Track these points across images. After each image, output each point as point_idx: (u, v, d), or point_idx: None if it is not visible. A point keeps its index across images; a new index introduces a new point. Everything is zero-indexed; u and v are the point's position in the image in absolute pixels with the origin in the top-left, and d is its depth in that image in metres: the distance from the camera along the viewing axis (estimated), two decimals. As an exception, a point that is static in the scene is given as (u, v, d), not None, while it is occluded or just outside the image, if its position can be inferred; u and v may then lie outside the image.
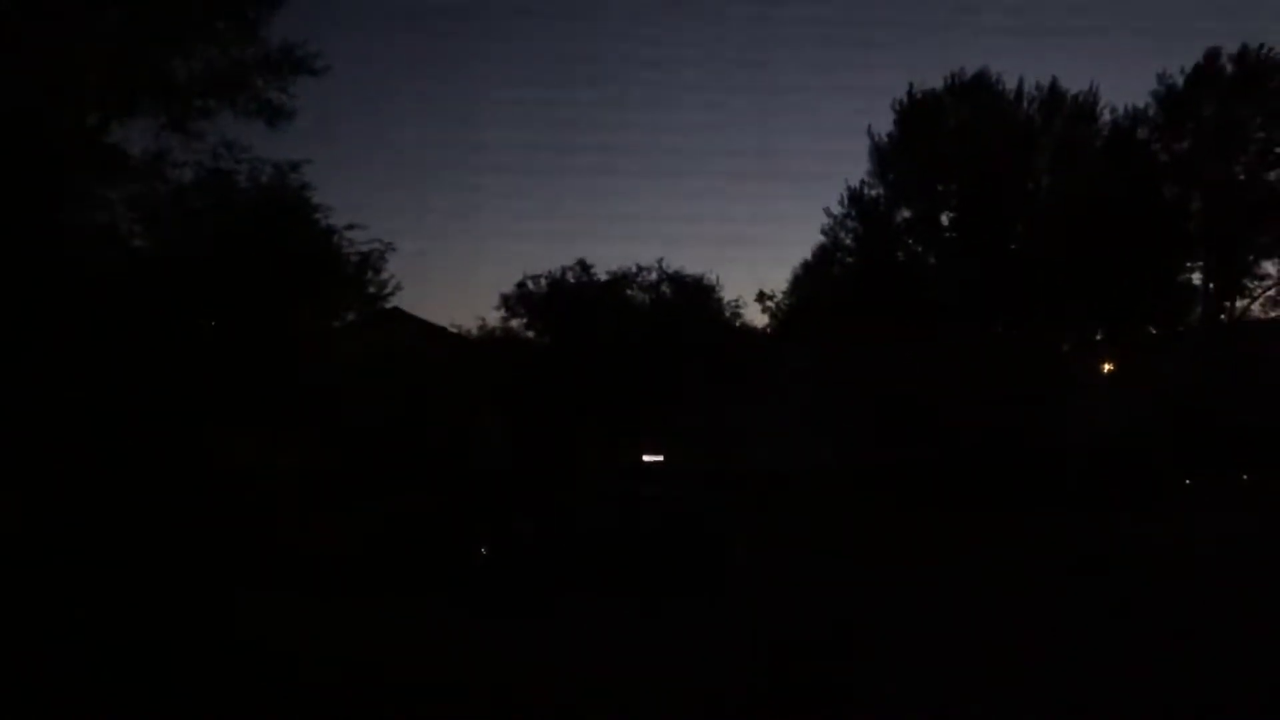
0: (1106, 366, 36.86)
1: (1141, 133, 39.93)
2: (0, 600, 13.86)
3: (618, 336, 35.81)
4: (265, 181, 21.88)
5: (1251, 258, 39.47)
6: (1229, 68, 38.95)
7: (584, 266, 39.05)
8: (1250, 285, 39.74)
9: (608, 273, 39.34)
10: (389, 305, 28.89)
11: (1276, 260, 39.24)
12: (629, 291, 39.69)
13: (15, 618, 13.04)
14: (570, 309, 37.87)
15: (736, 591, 16.84)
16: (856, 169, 48.14)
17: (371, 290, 25.59)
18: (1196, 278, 40.36)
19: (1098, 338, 39.81)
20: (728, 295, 40.94)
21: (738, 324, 40.95)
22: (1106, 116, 39.94)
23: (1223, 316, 40.13)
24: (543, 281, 38.95)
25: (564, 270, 38.94)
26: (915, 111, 40.33)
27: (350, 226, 23.75)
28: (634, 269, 39.49)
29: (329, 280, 23.58)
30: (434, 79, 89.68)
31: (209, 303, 20.79)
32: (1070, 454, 31.34)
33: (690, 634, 13.64)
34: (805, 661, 11.72)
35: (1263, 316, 39.32)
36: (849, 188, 41.29)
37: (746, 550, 18.82)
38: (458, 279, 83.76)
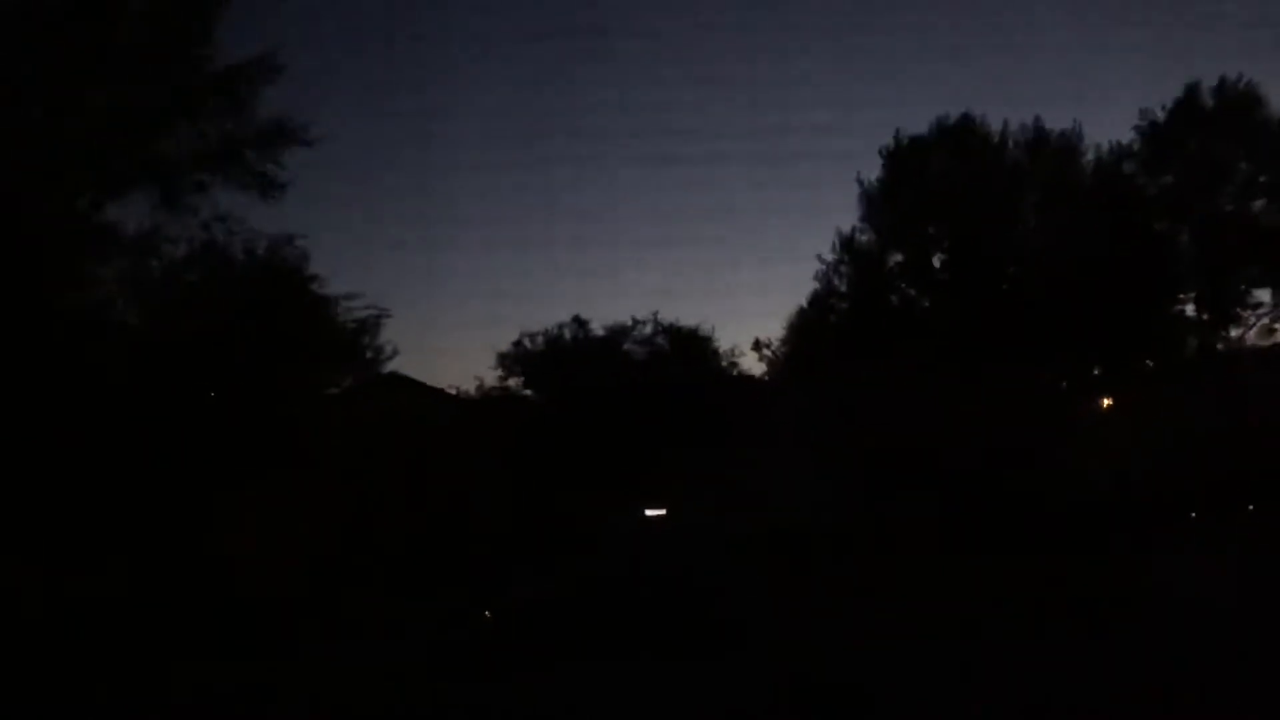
0: (1106, 402, 36.82)
1: (1127, 168, 40.22)
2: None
3: (616, 391, 35.85)
4: (260, 254, 22.12)
5: (1243, 287, 39.59)
6: (1209, 102, 39.37)
7: (580, 323, 39.27)
8: (1244, 314, 39.84)
9: (603, 328, 39.54)
10: (387, 370, 29.06)
11: (1269, 289, 39.38)
12: (625, 346, 39.84)
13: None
14: (567, 366, 37.96)
15: (736, 648, 16.71)
16: (847, 215, 48.49)
17: (369, 356, 25.82)
18: (1190, 309, 40.50)
19: (1095, 373, 39.80)
20: (724, 345, 41.12)
21: (735, 373, 41.04)
22: (1091, 154, 40.28)
23: (1219, 346, 40.17)
24: (539, 339, 39.13)
25: (560, 328, 39.16)
26: (902, 157, 40.65)
27: (347, 296, 24.03)
28: (629, 323, 39.70)
29: (325, 348, 23.76)
30: (425, 142, 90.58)
31: (205, 377, 20.89)
32: (1072, 492, 31.19)
33: (689, 692, 13.55)
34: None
35: (1259, 344, 39.37)
36: (840, 234, 41.51)
37: (747, 605, 18.72)
38: (455, 341, 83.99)
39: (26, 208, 18.52)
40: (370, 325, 24.76)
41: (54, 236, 18.98)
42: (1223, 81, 39.17)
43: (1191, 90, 39.51)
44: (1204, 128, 39.23)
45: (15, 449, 17.85)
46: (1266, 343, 39.14)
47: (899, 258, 41.02)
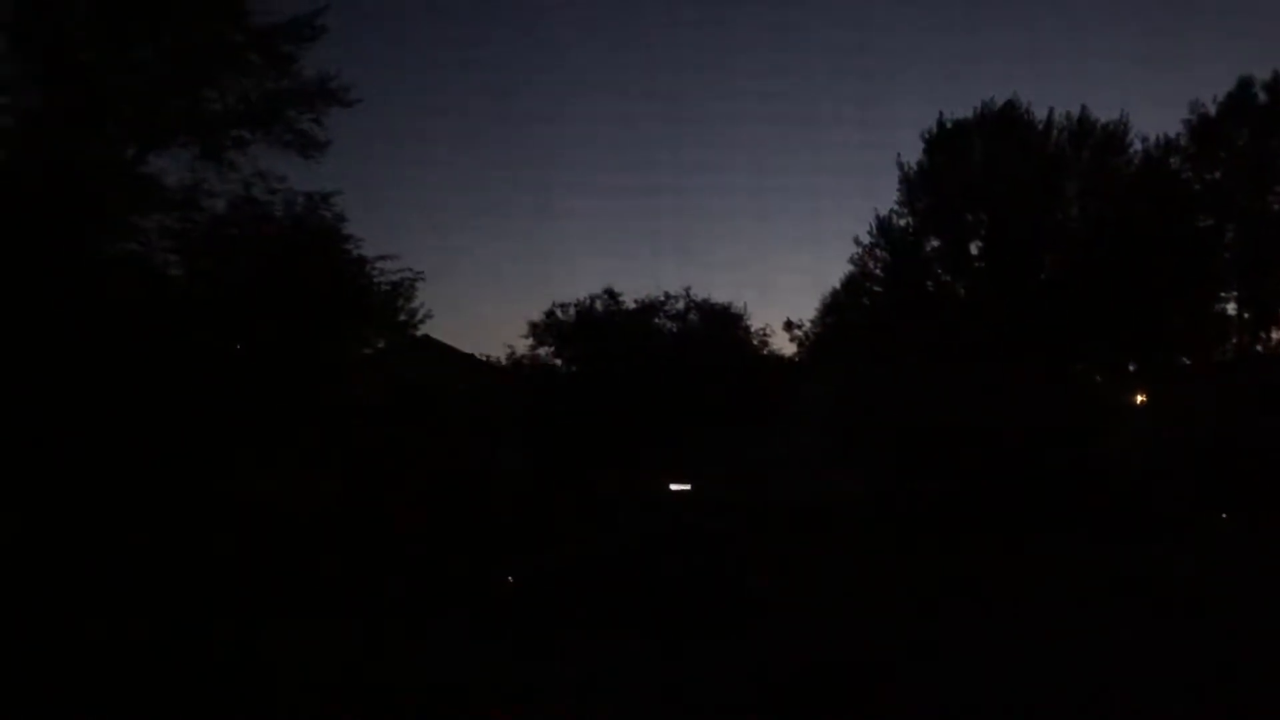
0: (1139, 397, 36.46)
1: (1173, 162, 39.67)
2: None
3: (645, 365, 35.86)
4: (298, 212, 22.16)
5: (1286, 288, 39.05)
6: (1261, 96, 38.75)
7: (612, 295, 39.25)
8: (1285, 315, 39.28)
9: (635, 301, 39.50)
10: (419, 333, 29.09)
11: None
12: (656, 320, 39.78)
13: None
14: (598, 337, 38.00)
15: (760, 622, 16.76)
16: (885, 198, 48.06)
17: (402, 319, 25.81)
18: (1230, 308, 39.99)
19: (1130, 369, 39.41)
20: (755, 324, 41.00)
21: (765, 352, 40.94)
22: (1137, 146, 39.72)
23: (1258, 347, 39.66)
24: (571, 310, 39.16)
25: (592, 299, 39.16)
26: (944, 141, 40.26)
27: (381, 257, 24.05)
28: (661, 297, 39.63)
29: (359, 309, 23.81)
30: (463, 108, 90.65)
31: (240, 332, 21.04)
32: (1101, 485, 30.96)
33: (711, 665, 13.61)
34: (825, 698, 11.65)
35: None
36: (878, 217, 41.23)
37: (770, 581, 18.75)
38: (488, 307, 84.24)
39: (77, 154, 18.74)
40: (404, 288, 24.68)
41: (100, 184, 19.19)
42: (1276, 77, 38.56)
43: (1244, 85, 38.95)
44: (1255, 124, 38.63)
45: (51, 391, 18.09)
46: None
47: (936, 243, 40.73)
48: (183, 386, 19.08)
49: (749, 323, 40.36)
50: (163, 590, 15.94)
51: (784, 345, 43.10)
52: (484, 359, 38.98)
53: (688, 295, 39.75)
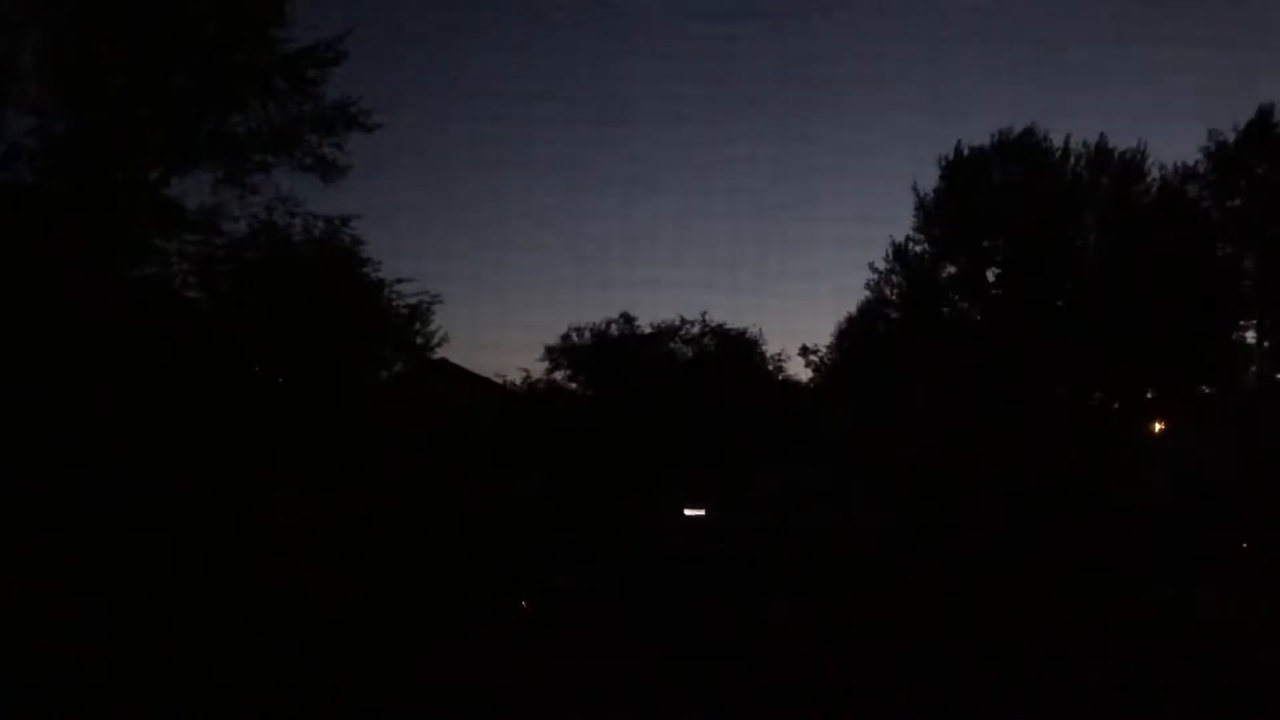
0: (1158, 426, 36.21)
1: (1192, 190, 39.51)
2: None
3: (660, 389, 35.84)
4: (318, 235, 22.39)
5: (1308, 317, 38.74)
6: (1282, 125, 38.64)
7: (627, 319, 39.24)
8: (1307, 345, 38.95)
9: (651, 325, 39.49)
10: (436, 356, 29.23)
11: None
12: (672, 344, 39.77)
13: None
14: (613, 362, 37.98)
15: (776, 649, 16.68)
16: (901, 224, 47.98)
17: (419, 342, 26.01)
18: (1251, 336, 39.73)
19: (1149, 397, 39.15)
20: (771, 349, 40.95)
21: (781, 378, 40.86)
22: (1155, 174, 39.60)
23: (1279, 376, 39.34)
24: (587, 334, 39.15)
25: (608, 323, 39.14)
26: (961, 167, 40.22)
27: (400, 280, 24.28)
28: (677, 322, 39.64)
29: (378, 332, 24.00)
30: (480, 132, 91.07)
31: (260, 353, 21.19)
32: (1120, 516, 30.71)
33: (730, 692, 13.54)
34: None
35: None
36: (894, 243, 41.19)
37: (787, 607, 18.66)
38: (504, 331, 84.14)
39: (102, 176, 18.97)
40: (422, 311, 24.96)
41: (124, 206, 19.42)
42: (1296, 105, 38.41)
43: (1264, 113, 38.82)
44: (1275, 152, 38.48)
45: (70, 412, 18.23)
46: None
47: (952, 269, 40.61)
48: (204, 407, 19.21)
49: (765, 348, 40.37)
50: (183, 606, 15.99)
51: (800, 371, 43.04)
52: (500, 382, 39.04)
53: (703, 320, 39.80)
